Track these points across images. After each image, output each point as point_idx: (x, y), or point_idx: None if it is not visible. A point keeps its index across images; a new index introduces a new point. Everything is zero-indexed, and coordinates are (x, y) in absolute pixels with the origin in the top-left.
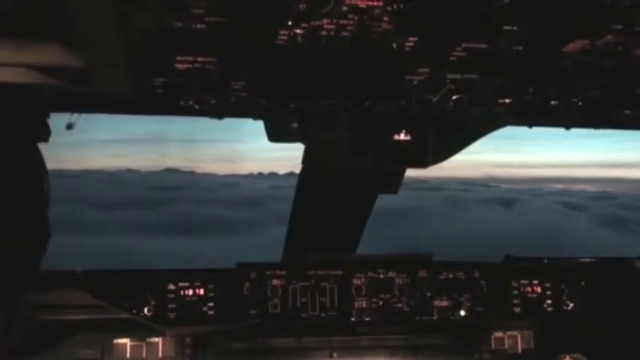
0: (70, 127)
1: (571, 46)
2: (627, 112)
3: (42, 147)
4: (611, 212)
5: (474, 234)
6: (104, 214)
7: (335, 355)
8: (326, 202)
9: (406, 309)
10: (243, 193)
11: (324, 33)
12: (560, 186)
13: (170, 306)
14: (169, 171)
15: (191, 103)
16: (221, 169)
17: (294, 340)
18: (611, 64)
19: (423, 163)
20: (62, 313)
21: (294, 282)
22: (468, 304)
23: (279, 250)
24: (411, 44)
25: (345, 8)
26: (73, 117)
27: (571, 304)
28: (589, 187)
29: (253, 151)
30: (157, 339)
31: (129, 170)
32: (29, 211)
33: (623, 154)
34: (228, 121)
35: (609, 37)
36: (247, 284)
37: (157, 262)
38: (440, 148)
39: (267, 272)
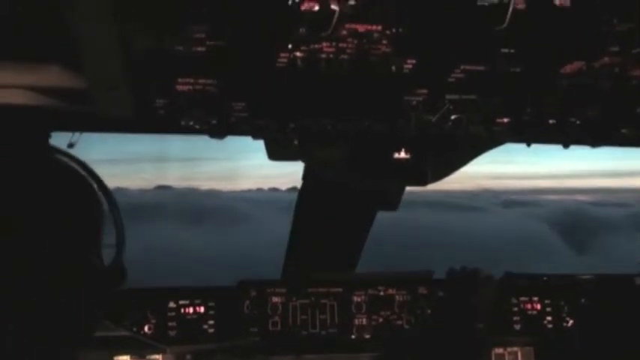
0: (71, 146)
1: (568, 68)
2: (624, 131)
3: None
4: None
5: None
6: None
7: None
8: (326, 219)
9: (406, 326)
10: None
11: (323, 56)
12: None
13: (170, 324)
14: (161, 188)
15: (192, 123)
16: (221, 186)
17: (294, 358)
18: (608, 85)
19: (423, 181)
20: None
21: (295, 299)
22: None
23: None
24: (410, 66)
25: (344, 32)
26: (74, 136)
27: (571, 321)
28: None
29: (254, 167)
30: (157, 356)
31: (117, 188)
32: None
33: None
34: (228, 139)
35: (606, 59)
36: (247, 302)
37: None
38: (439, 167)
39: (268, 290)
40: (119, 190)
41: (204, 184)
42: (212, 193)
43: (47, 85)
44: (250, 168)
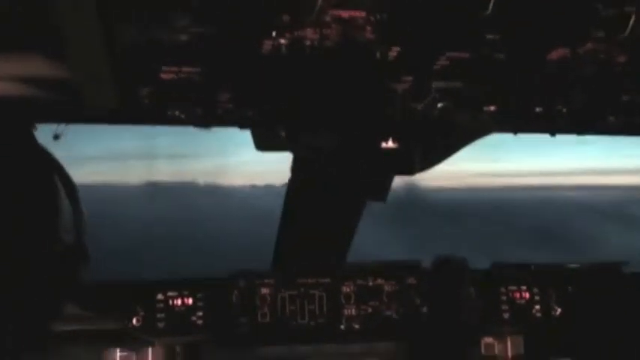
0: (56, 137)
1: (553, 54)
2: (611, 118)
3: None
4: None
5: None
6: None
7: None
8: (315, 209)
9: (395, 316)
10: None
11: (307, 43)
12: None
13: (159, 316)
14: (149, 185)
15: (177, 113)
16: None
17: (284, 349)
18: (593, 72)
19: (410, 171)
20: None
21: (283, 290)
22: None
23: None
24: (395, 53)
25: (328, 19)
26: (60, 128)
27: (559, 310)
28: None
29: (245, 163)
30: (146, 349)
31: (105, 185)
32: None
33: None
34: (216, 136)
35: (590, 45)
36: (236, 293)
37: None
38: (426, 156)
39: (256, 281)
40: (107, 185)
41: (199, 180)
42: (217, 190)
43: (31, 75)
44: (241, 164)
